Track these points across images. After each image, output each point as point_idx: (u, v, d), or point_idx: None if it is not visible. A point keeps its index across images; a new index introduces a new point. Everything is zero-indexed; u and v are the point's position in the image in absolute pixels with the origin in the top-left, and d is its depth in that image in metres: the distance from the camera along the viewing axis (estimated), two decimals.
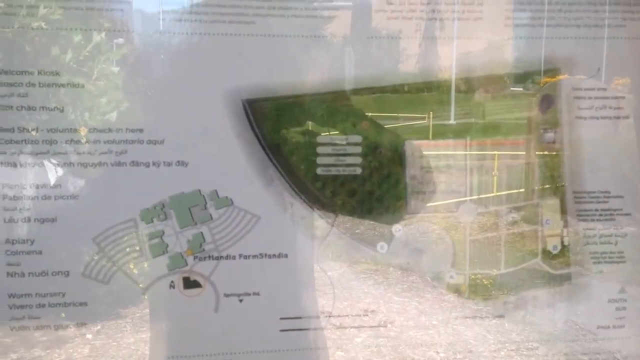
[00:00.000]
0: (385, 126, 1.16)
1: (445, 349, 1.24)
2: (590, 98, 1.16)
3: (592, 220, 1.19)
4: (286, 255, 1.08)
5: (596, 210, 1.18)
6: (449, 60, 1.15)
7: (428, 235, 1.20)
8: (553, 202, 1.20)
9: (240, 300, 1.07)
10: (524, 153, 1.24)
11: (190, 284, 1.06)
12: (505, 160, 1.34)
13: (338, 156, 1.08)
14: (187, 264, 1.05)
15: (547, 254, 1.21)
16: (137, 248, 1.04)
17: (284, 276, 1.10)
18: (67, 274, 1.02)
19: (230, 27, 1.02)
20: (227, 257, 1.06)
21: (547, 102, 1.18)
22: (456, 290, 1.27)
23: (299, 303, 1.13)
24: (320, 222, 1.12)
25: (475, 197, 1.22)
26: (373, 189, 1.10)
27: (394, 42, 1.12)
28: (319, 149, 1.08)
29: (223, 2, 1.03)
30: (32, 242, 1.01)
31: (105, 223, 1.02)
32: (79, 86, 1.01)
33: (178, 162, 1.03)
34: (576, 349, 1.23)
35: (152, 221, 1.03)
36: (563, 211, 1.20)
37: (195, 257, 1.05)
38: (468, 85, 1.20)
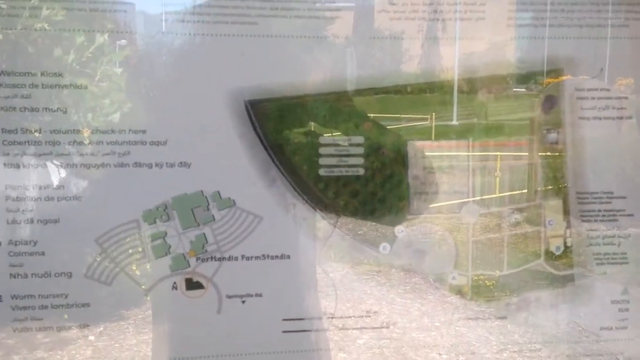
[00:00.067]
0: (388, 127, 1.16)
1: (447, 350, 1.24)
2: (593, 98, 1.16)
3: (595, 221, 1.19)
4: (288, 257, 1.08)
5: (599, 211, 1.18)
6: (451, 61, 1.15)
7: (431, 236, 1.20)
8: (556, 203, 1.20)
9: (243, 302, 1.07)
10: (526, 154, 1.24)
11: (192, 285, 1.06)
12: (508, 161, 1.34)
13: (340, 157, 1.08)
14: (189, 265, 1.05)
15: (550, 255, 1.21)
16: (140, 249, 1.04)
17: (286, 277, 1.10)
18: (69, 275, 1.02)
19: (233, 28, 1.02)
20: (230, 258, 1.06)
21: (550, 102, 1.18)
22: (459, 291, 1.26)
23: (302, 304, 1.13)
24: (322, 223, 1.12)
25: (477, 198, 1.21)
26: (375, 189, 1.10)
27: (396, 42, 1.12)
28: (322, 150, 1.08)
29: (225, 3, 1.03)
30: (35, 243, 1.01)
31: (108, 224, 1.02)
32: (81, 87, 1.01)
33: (181, 163, 1.03)
34: (579, 350, 1.23)
35: (155, 222, 1.03)
36: (566, 212, 1.20)
37: (197, 258, 1.05)
38: (470, 86, 1.20)
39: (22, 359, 1.36)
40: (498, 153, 1.30)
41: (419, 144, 1.16)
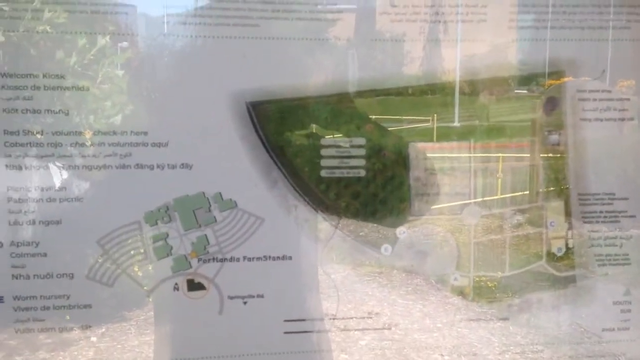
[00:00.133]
0: (390, 129, 1.16)
1: (449, 351, 1.24)
2: (594, 100, 1.16)
3: (597, 222, 1.19)
4: (290, 258, 1.08)
5: (601, 212, 1.18)
6: (452, 63, 1.15)
7: (432, 237, 1.20)
8: (557, 205, 1.20)
9: (245, 303, 1.07)
10: (528, 155, 1.24)
11: (194, 286, 1.06)
12: (510, 162, 1.34)
13: (342, 158, 1.08)
14: (191, 267, 1.05)
15: (551, 257, 1.21)
16: (142, 250, 1.04)
17: (288, 278, 1.10)
18: (71, 276, 1.02)
19: (235, 30, 1.02)
20: (231, 259, 1.06)
21: (552, 104, 1.18)
22: (460, 292, 1.26)
23: (303, 305, 1.13)
24: (324, 224, 1.12)
25: (479, 199, 1.21)
26: (377, 191, 1.10)
27: (397, 44, 1.12)
28: (323, 152, 1.08)
29: (227, 5, 1.03)
30: (37, 245, 1.01)
31: (109, 225, 1.02)
32: (83, 89, 1.01)
33: (182, 164, 1.03)
34: (581, 351, 1.23)
35: (157, 223, 1.03)
36: (567, 213, 1.19)
37: (199, 260, 1.05)
38: (472, 88, 1.20)
39: None
40: (500, 154, 1.30)
41: (420, 145, 1.16)
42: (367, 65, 1.11)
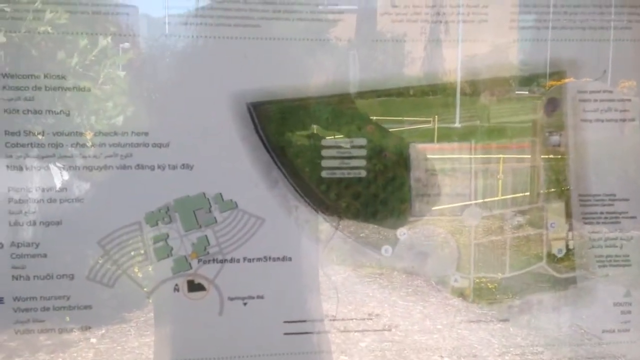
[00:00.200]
0: (391, 130, 1.16)
1: (449, 353, 1.24)
2: (595, 101, 1.16)
3: (598, 223, 1.18)
4: (290, 259, 1.08)
5: (601, 213, 1.18)
6: (453, 63, 1.15)
7: (433, 238, 1.20)
8: (558, 206, 1.20)
9: (245, 304, 1.07)
10: (529, 156, 1.24)
11: (194, 287, 1.06)
12: (511, 163, 1.33)
13: (343, 159, 1.08)
14: (191, 267, 1.05)
15: (552, 258, 1.21)
16: (142, 251, 1.04)
17: (288, 279, 1.10)
18: (71, 277, 1.02)
19: (236, 31, 1.02)
20: (232, 260, 1.06)
21: (553, 104, 1.18)
22: (461, 294, 1.26)
23: (303, 306, 1.13)
24: (324, 225, 1.12)
25: (480, 200, 1.21)
26: (377, 191, 1.10)
27: (398, 45, 1.12)
28: (324, 152, 1.08)
29: (228, 5, 1.03)
30: (37, 246, 1.01)
31: (110, 226, 1.02)
32: (84, 90, 1.01)
33: (183, 165, 1.03)
34: (581, 353, 1.23)
35: (157, 224, 1.03)
36: (568, 214, 1.19)
37: (199, 260, 1.05)
38: (473, 88, 1.20)
39: None
40: (501, 155, 1.30)
41: (421, 146, 1.16)
42: (368, 66, 1.11)
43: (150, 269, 1.06)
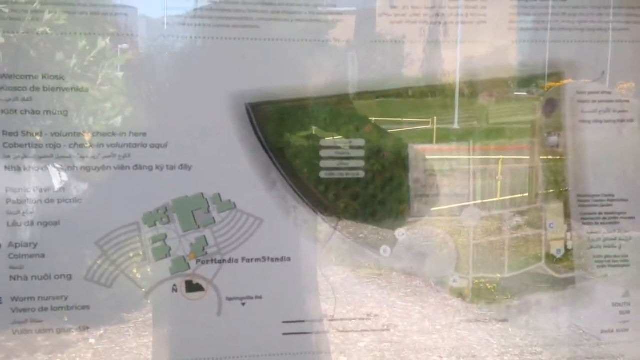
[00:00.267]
0: (390, 130, 1.16)
1: (448, 353, 1.24)
2: (594, 101, 1.16)
3: (596, 223, 1.19)
4: (289, 259, 1.08)
5: (600, 213, 1.18)
6: (452, 64, 1.15)
7: (431, 239, 1.20)
8: (557, 206, 1.20)
9: (243, 304, 1.07)
10: (527, 157, 1.24)
11: (192, 287, 1.06)
12: (509, 164, 1.33)
13: (341, 160, 1.08)
14: (189, 268, 1.05)
15: (550, 258, 1.21)
16: (140, 252, 1.04)
17: (286, 280, 1.10)
18: (69, 277, 1.02)
19: (234, 32, 1.02)
20: (230, 260, 1.06)
21: (551, 105, 1.18)
22: (459, 294, 1.26)
23: (302, 307, 1.13)
24: (323, 225, 1.12)
25: (478, 201, 1.21)
26: (376, 192, 1.10)
27: (397, 46, 1.12)
28: (322, 153, 1.08)
29: (227, 6, 1.03)
30: (35, 246, 1.01)
31: (108, 226, 1.02)
32: (82, 90, 1.01)
33: (181, 165, 1.03)
34: (580, 353, 1.23)
35: (155, 224, 1.03)
36: (567, 215, 1.19)
37: (198, 261, 1.05)
38: (472, 89, 1.20)
39: None
40: (500, 157, 1.30)
41: (419, 147, 1.16)
42: (366, 67, 1.11)
43: (148, 270, 1.06)
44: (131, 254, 1.03)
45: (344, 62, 1.11)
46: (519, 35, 1.14)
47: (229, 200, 1.04)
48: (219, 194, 1.04)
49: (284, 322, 1.10)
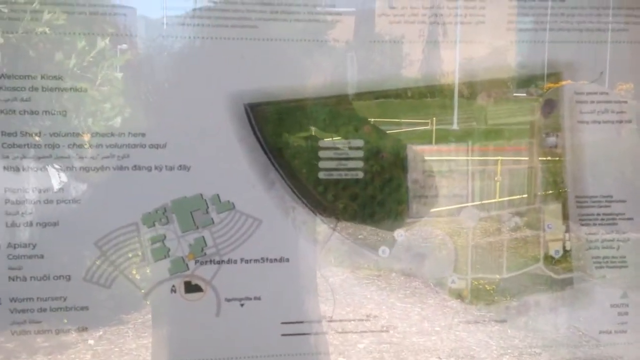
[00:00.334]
0: (389, 131, 1.16)
1: (447, 354, 1.24)
2: (592, 102, 1.16)
3: (595, 224, 1.18)
4: (288, 260, 1.08)
5: (598, 214, 1.18)
6: (451, 65, 1.15)
7: (430, 240, 1.20)
8: (555, 207, 1.20)
9: (242, 305, 1.07)
10: (526, 158, 1.24)
11: (191, 288, 1.06)
12: (507, 165, 1.34)
13: (340, 160, 1.08)
14: (188, 268, 1.05)
15: (549, 259, 1.21)
16: (139, 252, 1.04)
17: (285, 280, 1.09)
18: (68, 278, 1.02)
19: (233, 32, 1.02)
20: (229, 261, 1.06)
21: (550, 106, 1.18)
22: (458, 295, 1.26)
23: (301, 307, 1.13)
24: (322, 226, 1.12)
25: (477, 202, 1.21)
26: (375, 193, 1.10)
27: (396, 46, 1.12)
28: (321, 153, 1.08)
29: (226, 6, 1.03)
30: (34, 246, 1.01)
31: (107, 227, 1.02)
32: (81, 90, 1.01)
33: (180, 166, 1.03)
34: (578, 354, 1.23)
35: (154, 225, 1.03)
36: (565, 216, 1.19)
37: (196, 262, 1.05)
38: (471, 90, 1.20)
39: None
40: (498, 157, 1.31)
41: (418, 147, 1.16)
42: (365, 67, 1.11)
43: (147, 270, 1.06)
44: (130, 255, 1.03)
45: (342, 62, 1.11)
46: (518, 35, 1.14)
47: (228, 201, 1.04)
48: (217, 195, 1.04)
49: (282, 323, 1.10)
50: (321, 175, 1.08)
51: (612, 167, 1.20)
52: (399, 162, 1.12)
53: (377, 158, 1.10)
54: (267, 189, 1.06)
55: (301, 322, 1.11)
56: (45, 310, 1.02)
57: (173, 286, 1.05)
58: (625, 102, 1.17)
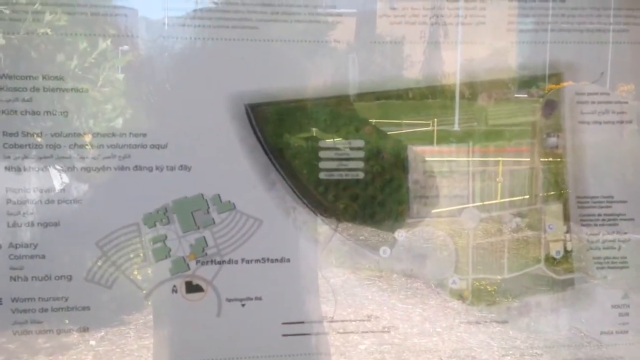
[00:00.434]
0: (389, 132, 1.16)
1: (448, 355, 1.24)
2: (593, 103, 1.16)
3: (596, 225, 1.18)
4: (288, 260, 1.08)
5: (599, 215, 1.18)
6: (452, 66, 1.15)
7: (431, 240, 1.20)
8: (556, 208, 1.20)
9: (243, 305, 1.07)
10: (527, 158, 1.24)
11: (192, 288, 1.06)
12: (508, 165, 1.33)
13: (341, 161, 1.08)
14: (189, 269, 1.05)
15: (550, 260, 1.20)
16: (140, 252, 1.04)
17: (286, 281, 1.09)
18: (70, 278, 1.02)
19: (234, 32, 1.03)
20: (230, 261, 1.06)
21: (551, 107, 1.18)
22: (459, 296, 1.26)
23: (302, 308, 1.13)
24: (323, 227, 1.12)
25: (478, 202, 1.21)
26: (375, 193, 1.10)
27: (397, 47, 1.12)
28: (322, 154, 1.08)
29: (227, 7, 1.03)
30: (36, 247, 1.01)
31: (108, 227, 1.02)
32: (82, 91, 1.01)
33: (181, 166, 1.03)
34: (580, 355, 1.23)
35: (155, 225, 1.03)
36: (566, 216, 1.19)
37: (197, 262, 1.05)
38: (472, 91, 1.20)
39: None
40: (499, 158, 1.30)
41: (418, 148, 1.16)
42: (366, 68, 1.11)
43: (148, 270, 1.06)
44: (131, 255, 1.04)
45: (343, 63, 1.11)
46: (519, 36, 1.14)
47: (229, 201, 1.04)
48: (218, 195, 1.04)
49: (283, 323, 1.10)
50: (322, 175, 1.08)
51: (613, 168, 1.20)
52: (400, 163, 1.12)
53: (378, 158, 1.10)
54: (268, 189, 1.06)
55: (302, 322, 1.11)
56: (46, 310, 1.02)
57: (174, 286, 1.05)
58: (626, 102, 1.17)
